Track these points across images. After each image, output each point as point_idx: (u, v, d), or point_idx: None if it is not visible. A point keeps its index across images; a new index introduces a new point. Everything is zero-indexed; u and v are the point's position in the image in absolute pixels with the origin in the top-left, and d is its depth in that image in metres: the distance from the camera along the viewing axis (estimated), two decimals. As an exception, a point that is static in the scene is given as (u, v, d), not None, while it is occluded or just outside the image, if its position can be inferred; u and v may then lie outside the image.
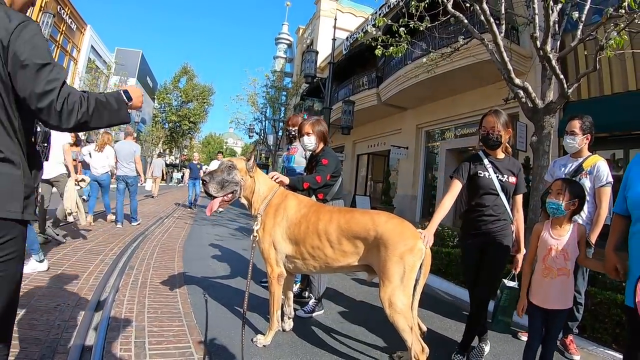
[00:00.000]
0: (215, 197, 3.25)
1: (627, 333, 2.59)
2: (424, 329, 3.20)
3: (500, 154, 3.42)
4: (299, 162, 4.93)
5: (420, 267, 2.95)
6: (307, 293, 4.54)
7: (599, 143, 7.79)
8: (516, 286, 3.28)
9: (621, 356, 3.65)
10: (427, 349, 2.83)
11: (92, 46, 30.59)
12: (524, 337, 3.98)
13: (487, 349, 3.59)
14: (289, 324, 3.77)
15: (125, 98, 1.77)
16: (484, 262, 3.36)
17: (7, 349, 1.66)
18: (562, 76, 5.56)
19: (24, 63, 1.48)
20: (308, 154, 4.54)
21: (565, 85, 5.56)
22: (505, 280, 3.34)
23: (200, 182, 11.19)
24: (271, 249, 3.34)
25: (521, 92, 6.11)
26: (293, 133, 4.91)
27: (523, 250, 3.42)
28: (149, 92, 45.07)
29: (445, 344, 3.78)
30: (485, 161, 3.38)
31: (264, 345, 3.32)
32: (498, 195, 3.32)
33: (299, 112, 27.38)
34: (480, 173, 3.35)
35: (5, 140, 1.54)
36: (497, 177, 3.33)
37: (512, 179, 3.35)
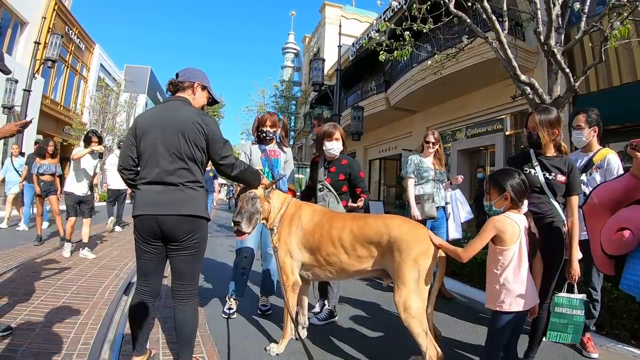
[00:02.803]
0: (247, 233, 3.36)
1: None
2: (439, 333, 3.15)
3: (550, 152, 3.25)
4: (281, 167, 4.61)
5: (436, 270, 2.93)
6: (319, 302, 4.50)
7: (611, 135, 7.72)
8: (579, 298, 2.99)
9: (640, 352, 3.62)
10: (441, 353, 2.80)
11: (101, 64, 30.83)
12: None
13: None
14: (302, 333, 3.75)
15: (261, 177, 3.27)
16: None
17: (197, 286, 2.87)
18: (568, 70, 5.52)
19: (215, 138, 2.76)
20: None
21: (572, 79, 5.51)
22: (565, 295, 3.03)
23: (215, 195, 10.81)
24: (287, 258, 3.35)
25: (528, 89, 6.06)
26: (271, 135, 4.50)
27: (578, 255, 3.11)
28: (160, 107, 45.25)
29: (460, 347, 3.74)
30: (534, 159, 3.26)
31: (277, 354, 3.32)
32: (543, 193, 3.18)
33: (309, 120, 27.50)
34: (526, 170, 3.21)
35: (201, 176, 2.78)
36: (544, 174, 3.18)
37: (561, 178, 3.14)
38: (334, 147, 4.14)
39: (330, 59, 24.29)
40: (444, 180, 5.63)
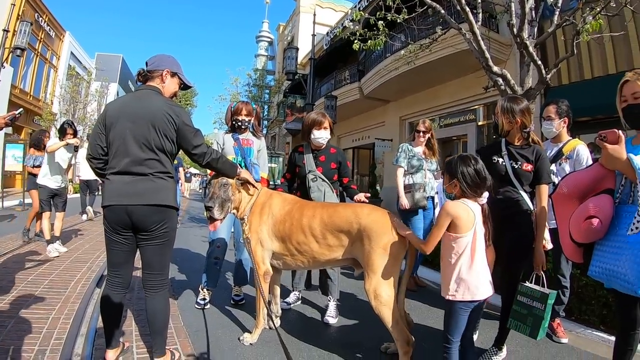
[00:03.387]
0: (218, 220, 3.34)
1: (618, 317, 2.58)
2: (411, 320, 3.19)
3: (517, 141, 3.23)
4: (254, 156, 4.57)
5: (405, 258, 2.96)
6: (293, 292, 4.50)
7: (581, 127, 7.89)
8: (540, 290, 2.87)
9: (608, 337, 3.71)
10: (412, 340, 2.84)
11: (71, 52, 30.00)
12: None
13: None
14: (275, 322, 3.75)
15: (238, 171, 3.26)
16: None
17: (167, 276, 2.90)
18: (539, 62, 5.60)
19: (186, 128, 2.76)
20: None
21: (544, 71, 5.60)
22: (528, 284, 2.96)
23: (182, 185, 10.49)
24: (258, 247, 3.34)
25: (500, 80, 6.13)
26: (247, 124, 4.48)
27: (548, 246, 3.19)
28: (132, 96, 44.33)
29: (433, 334, 3.78)
30: (503, 148, 3.24)
31: (250, 344, 3.33)
32: (510, 181, 3.17)
33: (283, 109, 27.36)
34: (494, 159, 3.22)
35: (170, 167, 2.81)
36: (511, 163, 3.17)
37: (527, 166, 3.13)
38: (322, 135, 4.08)
39: (305, 48, 24.12)
40: (434, 170, 5.58)
